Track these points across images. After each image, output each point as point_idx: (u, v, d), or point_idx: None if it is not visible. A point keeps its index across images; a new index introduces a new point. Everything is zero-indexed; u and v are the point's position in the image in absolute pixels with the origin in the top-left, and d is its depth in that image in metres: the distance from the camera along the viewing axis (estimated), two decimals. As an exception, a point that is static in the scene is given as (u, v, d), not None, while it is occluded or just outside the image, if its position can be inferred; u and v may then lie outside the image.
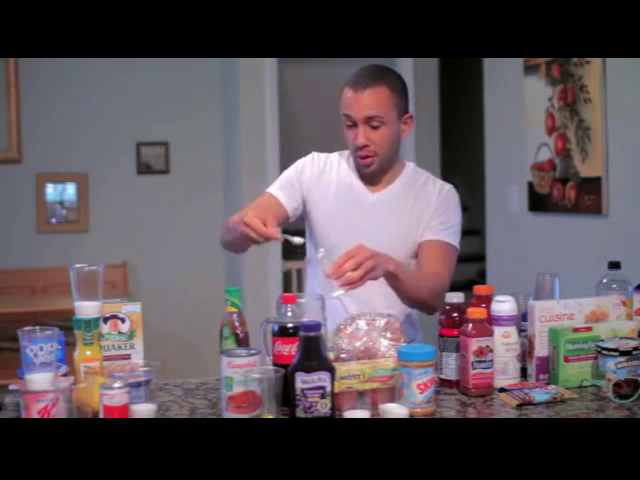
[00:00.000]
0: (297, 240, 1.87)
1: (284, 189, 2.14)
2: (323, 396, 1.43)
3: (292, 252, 3.83)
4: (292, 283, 4.78)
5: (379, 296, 2.07)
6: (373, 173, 2.11)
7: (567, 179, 3.41)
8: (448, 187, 2.17)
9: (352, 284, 1.75)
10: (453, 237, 2.11)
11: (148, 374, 1.57)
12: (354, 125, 2.03)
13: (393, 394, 1.56)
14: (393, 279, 1.88)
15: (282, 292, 3.97)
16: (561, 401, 1.62)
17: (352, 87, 2.02)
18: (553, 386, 1.68)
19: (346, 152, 2.19)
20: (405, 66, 4.51)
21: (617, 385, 1.62)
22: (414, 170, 2.19)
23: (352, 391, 1.53)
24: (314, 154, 2.21)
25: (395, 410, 1.50)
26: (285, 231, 2.02)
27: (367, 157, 2.05)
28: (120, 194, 4.84)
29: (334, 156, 2.21)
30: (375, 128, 2.02)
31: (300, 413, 1.43)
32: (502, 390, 1.67)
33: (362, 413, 1.48)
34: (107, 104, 4.78)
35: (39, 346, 1.56)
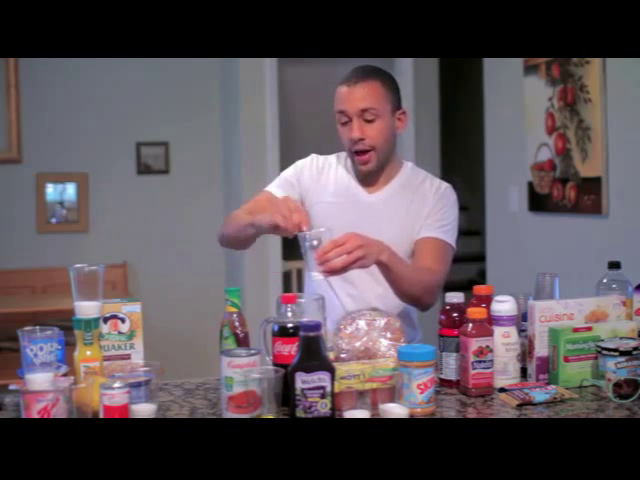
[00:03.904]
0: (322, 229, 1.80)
1: (283, 188, 2.13)
2: (323, 396, 1.43)
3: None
4: (292, 283, 4.78)
5: (378, 297, 2.08)
6: (371, 172, 2.10)
7: (567, 179, 3.41)
8: (445, 185, 2.16)
9: (333, 273, 1.77)
10: (449, 235, 2.10)
11: (148, 374, 1.57)
12: (348, 121, 2.04)
13: (393, 394, 1.56)
14: (385, 270, 1.88)
15: (282, 292, 3.97)
16: (561, 401, 1.62)
17: (345, 83, 2.05)
18: (553, 386, 1.68)
19: (343, 154, 2.19)
20: (405, 66, 4.51)
21: (617, 385, 1.62)
22: (412, 170, 2.18)
23: (352, 391, 1.53)
24: (313, 156, 2.21)
25: (395, 410, 1.50)
26: None
27: (364, 153, 2.05)
28: (120, 194, 4.84)
29: (332, 158, 2.21)
30: (370, 122, 2.03)
31: (300, 413, 1.43)
32: (502, 390, 1.67)
33: (362, 413, 1.48)
34: (107, 104, 4.77)
35: (39, 346, 1.57)
